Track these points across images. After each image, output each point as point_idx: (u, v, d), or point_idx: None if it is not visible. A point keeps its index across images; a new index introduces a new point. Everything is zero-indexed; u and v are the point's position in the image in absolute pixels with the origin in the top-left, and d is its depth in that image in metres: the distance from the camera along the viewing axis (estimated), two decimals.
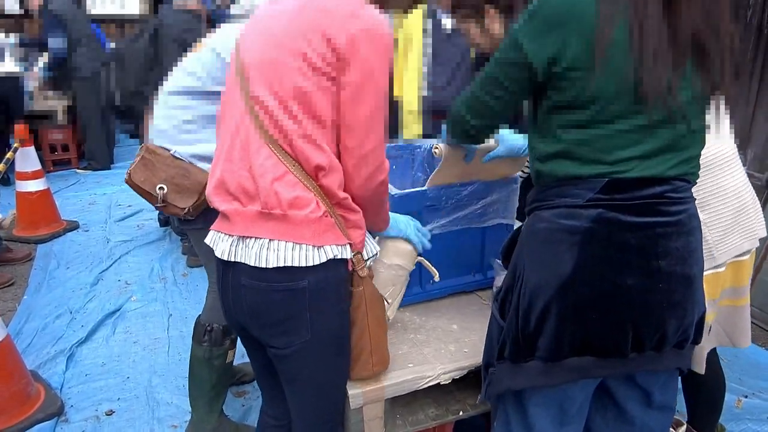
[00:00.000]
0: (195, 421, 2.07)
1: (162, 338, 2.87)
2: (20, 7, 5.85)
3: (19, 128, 3.92)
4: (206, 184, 1.59)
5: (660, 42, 1.03)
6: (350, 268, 1.23)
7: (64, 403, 2.36)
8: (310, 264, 1.14)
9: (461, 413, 1.53)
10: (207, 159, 1.70)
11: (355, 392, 1.36)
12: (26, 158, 4.02)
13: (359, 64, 1.10)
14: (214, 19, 3.51)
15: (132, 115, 3.25)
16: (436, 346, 1.54)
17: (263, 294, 1.18)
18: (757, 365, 2.57)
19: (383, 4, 1.25)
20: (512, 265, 1.25)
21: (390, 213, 1.42)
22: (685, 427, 1.93)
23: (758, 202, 1.68)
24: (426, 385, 1.43)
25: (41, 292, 3.37)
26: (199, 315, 2.03)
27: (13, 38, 5.01)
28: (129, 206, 4.77)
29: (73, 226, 4.33)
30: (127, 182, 1.80)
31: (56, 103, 5.71)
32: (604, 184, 1.09)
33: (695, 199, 1.16)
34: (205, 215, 1.75)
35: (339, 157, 1.18)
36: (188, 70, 1.76)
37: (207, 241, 1.27)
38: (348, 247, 1.20)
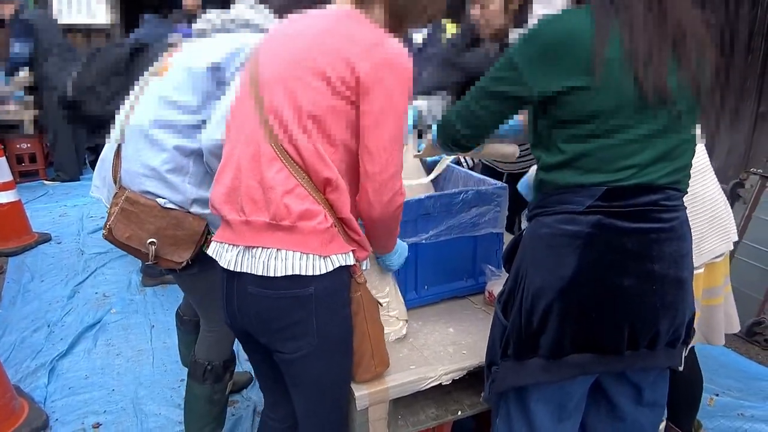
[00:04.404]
0: None
1: (146, 350, 2.85)
2: None
3: None
4: (203, 231, 1.61)
5: (650, 37, 1.12)
6: (351, 275, 1.28)
7: (49, 417, 2.33)
8: (317, 273, 1.19)
9: (459, 413, 1.59)
10: (203, 203, 1.60)
11: (361, 394, 1.40)
12: None
13: (381, 93, 1.15)
14: None
15: (78, 111, 3.16)
16: (435, 349, 1.60)
17: (270, 301, 1.21)
18: (726, 366, 2.72)
19: (400, 24, 1.30)
20: (515, 269, 1.32)
21: None
22: (664, 423, 2.02)
23: (730, 208, 1.80)
24: (429, 386, 1.48)
25: (16, 305, 3.30)
26: (192, 354, 1.93)
27: None
28: (102, 218, 4.67)
29: (45, 239, 4.25)
30: (106, 238, 1.62)
31: (24, 113, 5.60)
32: (603, 191, 1.17)
33: (686, 207, 1.25)
34: (200, 258, 1.65)
35: (354, 182, 1.23)
36: (170, 100, 1.58)
37: (210, 252, 1.30)
38: (351, 254, 1.25)
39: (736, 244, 1.83)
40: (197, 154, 1.61)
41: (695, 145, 1.25)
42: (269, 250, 1.18)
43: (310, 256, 1.18)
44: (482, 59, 2.16)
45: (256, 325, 1.27)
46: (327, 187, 1.19)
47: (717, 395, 2.49)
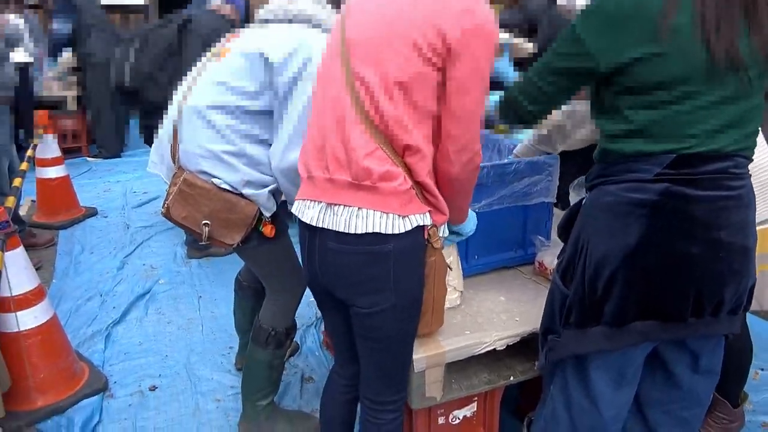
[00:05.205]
0: (248, 414, 2.07)
1: (195, 318, 2.95)
2: None
3: (41, 115, 3.96)
4: (254, 216, 1.66)
5: (719, 1, 1.11)
6: (426, 237, 1.30)
7: (108, 379, 2.44)
8: (396, 232, 1.22)
9: (512, 378, 1.62)
10: (256, 184, 1.67)
11: (419, 357, 1.45)
12: (46, 145, 4.08)
13: (469, 59, 1.17)
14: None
15: (138, 98, 3.24)
16: (488, 316, 1.63)
17: (350, 257, 1.26)
18: None
19: None
20: (574, 238, 1.34)
21: None
22: None
23: None
24: (483, 350, 1.52)
25: (69, 275, 3.43)
26: (257, 319, 2.00)
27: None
28: (144, 193, 4.83)
29: (92, 213, 4.39)
30: (164, 215, 1.71)
31: (66, 92, 5.74)
32: (673, 159, 1.17)
33: (750, 175, 1.25)
34: (257, 234, 1.71)
35: (435, 143, 1.25)
36: (227, 85, 1.63)
37: (294, 210, 1.36)
38: (428, 214, 1.28)
39: None
40: (253, 137, 1.66)
41: (762, 109, 1.23)
42: (351, 209, 1.23)
43: (390, 215, 1.21)
44: (543, 5, 2.14)
45: (335, 281, 1.32)
46: (406, 152, 1.22)
47: (762, 369, 2.48)
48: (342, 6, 1.34)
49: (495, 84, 1.89)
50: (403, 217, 1.22)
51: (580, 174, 1.96)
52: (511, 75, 1.76)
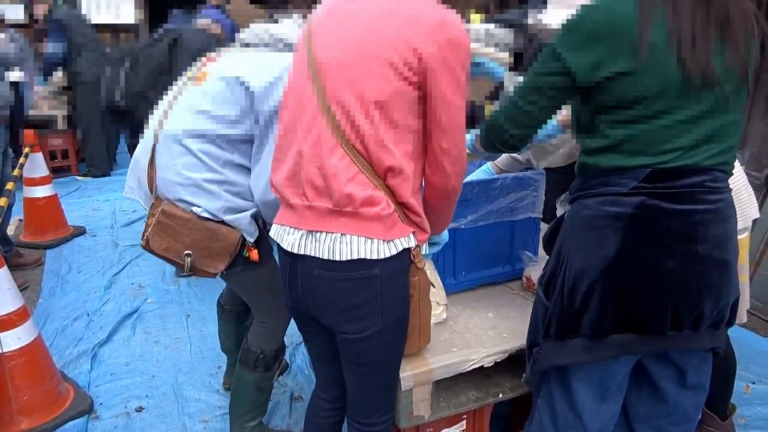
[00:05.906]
0: None
1: (183, 338, 2.91)
2: (25, 15, 5.85)
3: (28, 134, 3.94)
4: (237, 242, 1.63)
5: (695, 19, 1.12)
6: (411, 258, 1.29)
7: (94, 400, 2.40)
8: (382, 257, 1.21)
9: (501, 395, 1.61)
10: (236, 210, 1.64)
11: (405, 375, 1.43)
12: (34, 164, 4.04)
13: (446, 73, 1.16)
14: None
15: (129, 117, 3.25)
16: (476, 332, 1.62)
17: (336, 283, 1.23)
18: (761, 354, 2.69)
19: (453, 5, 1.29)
20: (556, 250, 1.34)
21: None
22: None
23: (750, 186, 1.81)
24: (471, 368, 1.51)
25: (56, 295, 3.39)
26: (245, 342, 1.98)
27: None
28: (134, 212, 4.80)
29: (80, 232, 4.35)
30: (144, 248, 1.66)
31: (56, 110, 5.73)
32: (647, 173, 1.18)
33: (731, 189, 1.25)
34: (241, 259, 1.69)
35: (418, 161, 1.24)
36: (207, 112, 1.59)
37: (272, 234, 1.33)
38: (412, 236, 1.26)
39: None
40: (233, 164, 1.63)
41: (742, 124, 1.24)
42: (334, 235, 1.20)
43: (375, 240, 1.20)
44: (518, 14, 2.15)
45: (321, 307, 1.29)
46: (388, 174, 1.20)
47: (753, 383, 2.47)
48: (304, 27, 1.32)
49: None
50: (388, 241, 1.21)
51: (567, 189, 1.97)
52: (499, 71, 1.68)
